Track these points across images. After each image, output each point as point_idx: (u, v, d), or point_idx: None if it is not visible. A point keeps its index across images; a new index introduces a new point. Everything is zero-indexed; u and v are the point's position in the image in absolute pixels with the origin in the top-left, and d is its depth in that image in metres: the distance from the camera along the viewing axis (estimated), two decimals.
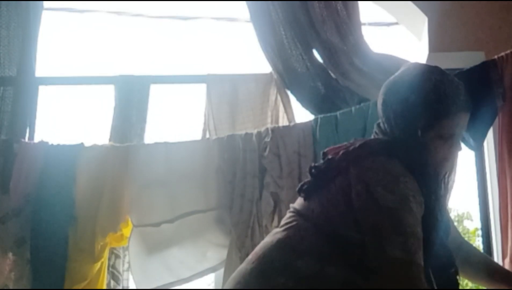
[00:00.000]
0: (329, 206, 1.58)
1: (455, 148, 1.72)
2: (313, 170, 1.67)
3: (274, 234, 1.65)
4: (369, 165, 1.57)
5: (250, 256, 1.63)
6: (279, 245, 1.58)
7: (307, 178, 1.69)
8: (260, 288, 1.51)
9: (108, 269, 2.98)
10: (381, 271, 1.44)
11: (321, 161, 1.69)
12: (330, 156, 1.67)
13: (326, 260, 1.50)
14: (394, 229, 1.46)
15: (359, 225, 1.51)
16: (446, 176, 1.75)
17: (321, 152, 1.72)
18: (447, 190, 1.84)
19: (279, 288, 1.48)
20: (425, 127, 1.64)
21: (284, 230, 1.62)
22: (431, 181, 1.62)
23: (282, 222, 1.68)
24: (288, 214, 1.69)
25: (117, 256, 3.01)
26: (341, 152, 1.64)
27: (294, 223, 1.62)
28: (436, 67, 1.72)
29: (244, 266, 1.62)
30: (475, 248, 2.10)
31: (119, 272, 3.01)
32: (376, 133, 1.76)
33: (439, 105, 1.65)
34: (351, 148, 1.64)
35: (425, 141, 1.64)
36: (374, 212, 1.50)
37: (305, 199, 1.65)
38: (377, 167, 1.56)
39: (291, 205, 1.72)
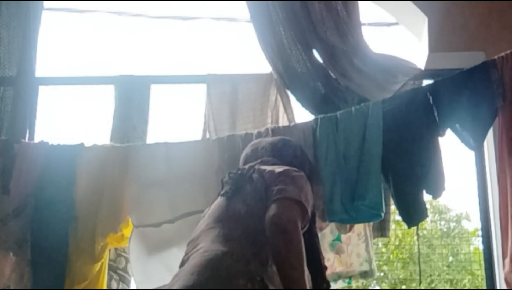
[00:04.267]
0: (251, 198, 1.82)
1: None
2: (231, 175, 1.96)
3: (206, 250, 1.71)
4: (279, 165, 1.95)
5: (192, 269, 1.64)
6: (222, 258, 1.66)
7: (223, 188, 1.96)
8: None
9: (116, 272, 2.99)
10: (276, 202, 1.71)
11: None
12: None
13: (266, 261, 1.68)
14: (295, 184, 1.79)
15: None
16: None
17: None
18: None
19: (244, 289, 1.59)
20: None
21: (218, 245, 1.71)
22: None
23: (209, 236, 1.78)
24: (213, 231, 1.79)
25: (128, 260, 2.98)
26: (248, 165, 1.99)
27: (224, 236, 1.74)
28: None
29: (193, 278, 1.61)
30: None
31: (130, 275, 3.00)
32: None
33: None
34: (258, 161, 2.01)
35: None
36: (280, 175, 1.83)
37: (228, 202, 1.87)
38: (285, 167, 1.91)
39: (206, 224, 1.86)
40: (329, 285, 1.97)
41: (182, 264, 1.83)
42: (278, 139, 2.19)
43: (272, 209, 1.69)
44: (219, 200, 1.94)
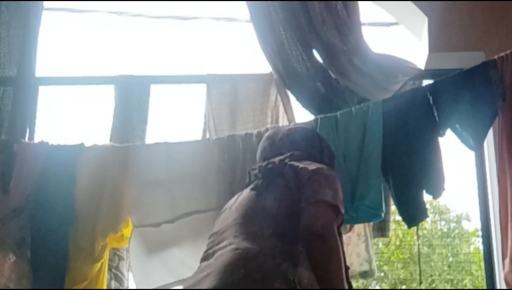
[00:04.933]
0: (283, 195, 1.78)
1: None
2: (261, 168, 1.90)
3: (237, 247, 1.67)
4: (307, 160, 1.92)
5: (223, 267, 1.61)
6: (255, 257, 1.63)
7: (250, 180, 1.93)
8: None
9: (111, 270, 2.99)
10: (311, 206, 1.71)
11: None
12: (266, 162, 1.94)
13: (297, 261, 1.66)
14: (329, 185, 1.77)
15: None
16: None
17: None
18: None
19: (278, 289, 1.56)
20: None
21: (248, 242, 1.68)
22: None
23: (238, 233, 1.74)
24: (241, 227, 1.75)
25: (121, 258, 3.01)
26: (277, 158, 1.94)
27: (255, 234, 1.71)
28: None
29: (226, 277, 1.58)
30: None
31: (122, 274, 3.01)
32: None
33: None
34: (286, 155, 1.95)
35: None
36: (314, 173, 1.80)
37: (258, 197, 1.82)
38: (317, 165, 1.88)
39: (233, 218, 1.80)
40: (351, 286, 1.95)
41: (205, 257, 1.77)
42: (294, 130, 2.15)
43: (308, 214, 1.69)
44: (248, 194, 1.88)
